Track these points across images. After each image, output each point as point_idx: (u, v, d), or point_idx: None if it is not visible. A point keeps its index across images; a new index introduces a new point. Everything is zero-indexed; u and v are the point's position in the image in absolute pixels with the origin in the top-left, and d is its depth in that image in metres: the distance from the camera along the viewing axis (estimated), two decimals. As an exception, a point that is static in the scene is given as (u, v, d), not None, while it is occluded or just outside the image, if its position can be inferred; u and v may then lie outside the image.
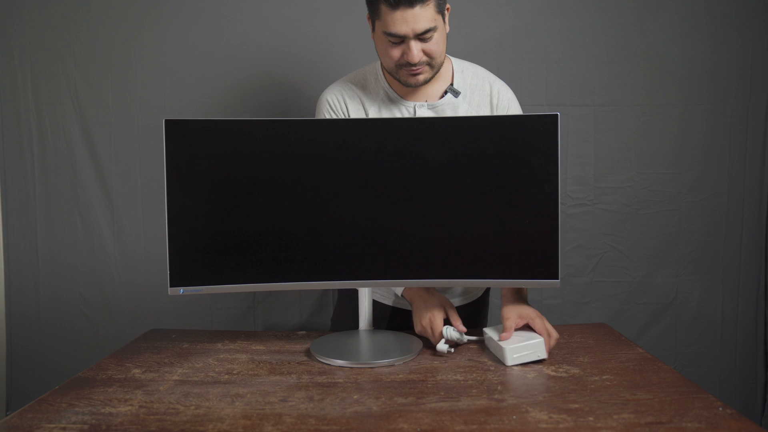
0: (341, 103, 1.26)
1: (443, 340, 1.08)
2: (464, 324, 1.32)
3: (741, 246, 1.78)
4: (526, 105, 1.69)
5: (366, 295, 1.16)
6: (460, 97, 1.25)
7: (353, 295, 1.33)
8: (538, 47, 1.73)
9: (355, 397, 0.89)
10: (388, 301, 1.35)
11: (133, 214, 1.77)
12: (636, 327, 1.79)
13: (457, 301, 1.36)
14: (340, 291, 1.45)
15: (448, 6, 1.18)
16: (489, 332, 1.11)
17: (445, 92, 1.25)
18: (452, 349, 1.08)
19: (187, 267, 1.07)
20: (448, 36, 1.19)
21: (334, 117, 1.26)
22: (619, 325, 1.75)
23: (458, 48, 1.37)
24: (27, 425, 0.81)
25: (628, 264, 1.78)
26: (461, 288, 1.34)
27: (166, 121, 1.05)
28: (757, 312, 1.80)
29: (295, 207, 1.07)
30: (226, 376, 0.99)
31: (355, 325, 1.20)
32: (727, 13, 1.73)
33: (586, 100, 1.75)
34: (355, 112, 1.25)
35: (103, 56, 1.74)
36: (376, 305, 1.33)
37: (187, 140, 1.06)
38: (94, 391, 0.93)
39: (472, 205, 1.07)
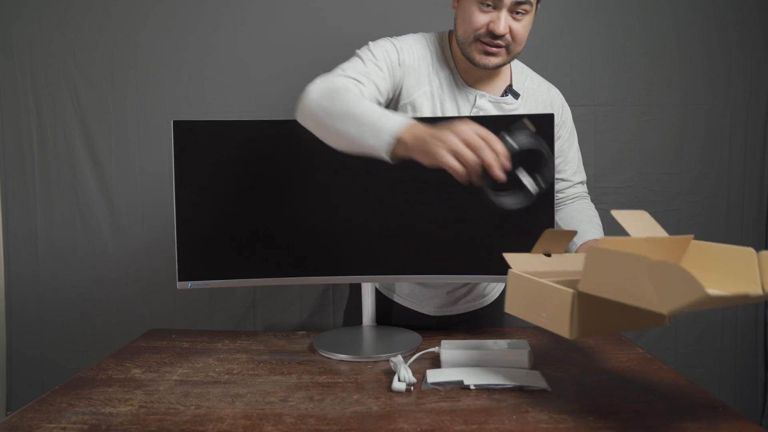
0: (412, 58, 1.14)
1: (396, 378, 0.91)
2: (485, 325, 1.29)
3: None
4: (526, 105, 1.71)
5: (369, 291, 1.18)
6: (520, 99, 1.20)
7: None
8: (538, 47, 1.73)
9: (355, 397, 0.89)
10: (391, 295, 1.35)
11: (133, 213, 1.77)
12: (636, 327, 1.79)
13: (476, 304, 1.34)
14: (351, 288, 1.46)
15: (538, 6, 1.14)
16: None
17: (505, 92, 1.19)
18: (411, 387, 0.90)
19: (194, 262, 1.10)
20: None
21: (390, 65, 1.13)
22: (619, 325, 1.74)
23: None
24: (27, 425, 0.81)
25: (628, 264, 1.78)
26: (481, 290, 1.34)
27: (174, 122, 1.09)
28: (757, 312, 1.80)
29: (298, 204, 1.10)
30: (226, 376, 0.99)
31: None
32: (726, 13, 1.73)
33: (586, 100, 1.75)
34: (416, 76, 1.15)
35: (103, 56, 1.74)
36: (381, 298, 1.34)
37: (194, 140, 1.09)
38: (94, 391, 0.93)
39: (470, 203, 1.09)
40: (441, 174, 1.09)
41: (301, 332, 1.24)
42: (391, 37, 1.20)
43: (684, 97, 1.75)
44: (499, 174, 0.83)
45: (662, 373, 0.98)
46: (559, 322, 0.78)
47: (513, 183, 0.89)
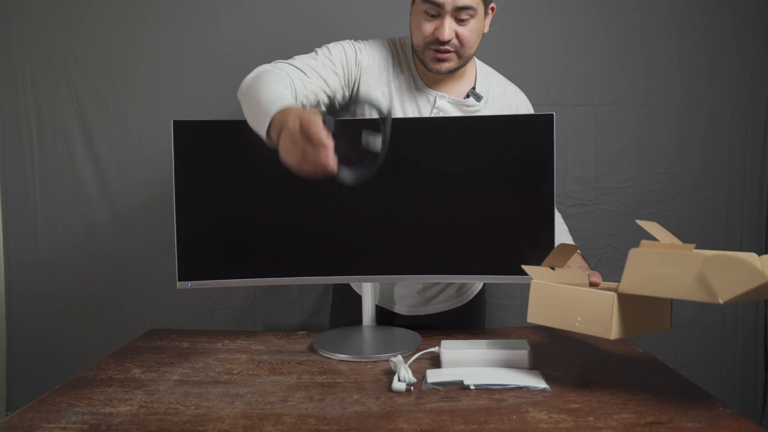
0: (371, 60, 1.19)
1: (396, 378, 0.91)
2: (461, 326, 1.31)
3: (741, 246, 1.78)
4: (526, 105, 1.71)
5: (369, 291, 1.18)
6: (482, 101, 1.22)
7: (347, 294, 1.35)
8: (538, 47, 1.73)
9: (355, 397, 0.89)
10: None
11: (133, 213, 1.77)
12: (636, 327, 1.79)
13: (450, 304, 1.35)
14: (335, 291, 1.46)
15: (493, 5, 1.17)
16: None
17: (468, 95, 1.22)
18: (411, 387, 0.90)
19: (194, 262, 1.10)
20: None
21: (345, 62, 1.18)
22: (619, 325, 1.75)
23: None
24: (27, 425, 0.81)
25: (628, 264, 1.78)
26: (454, 290, 1.34)
27: (174, 122, 1.09)
28: (757, 312, 1.80)
29: (298, 204, 1.10)
30: (226, 376, 0.99)
31: (352, 322, 1.21)
32: (726, 13, 1.73)
33: (586, 100, 1.75)
34: (373, 77, 1.19)
35: (103, 56, 1.74)
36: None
37: (194, 140, 1.09)
38: (94, 391, 0.93)
39: (469, 203, 1.09)
40: (441, 176, 1.10)
41: (301, 332, 1.24)
42: (383, 37, 1.25)
43: (684, 97, 1.75)
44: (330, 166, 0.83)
45: (662, 373, 0.98)
46: (599, 325, 0.83)
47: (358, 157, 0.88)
